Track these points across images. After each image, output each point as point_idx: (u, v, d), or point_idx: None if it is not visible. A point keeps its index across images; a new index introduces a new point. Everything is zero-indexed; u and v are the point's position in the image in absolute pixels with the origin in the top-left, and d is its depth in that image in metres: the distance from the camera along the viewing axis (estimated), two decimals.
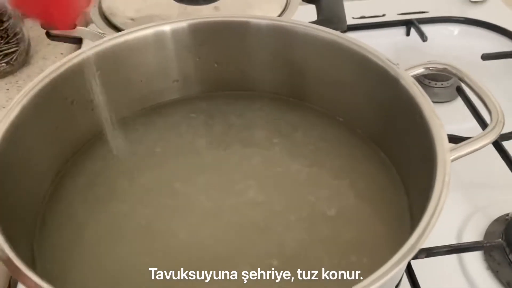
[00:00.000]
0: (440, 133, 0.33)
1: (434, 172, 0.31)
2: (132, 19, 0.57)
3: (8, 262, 0.27)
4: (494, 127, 0.35)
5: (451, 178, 0.55)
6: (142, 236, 0.37)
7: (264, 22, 0.42)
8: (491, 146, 0.55)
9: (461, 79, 0.37)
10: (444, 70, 0.37)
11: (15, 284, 0.43)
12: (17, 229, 0.34)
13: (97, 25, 0.53)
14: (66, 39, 0.53)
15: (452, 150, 0.33)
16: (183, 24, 0.43)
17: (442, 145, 0.32)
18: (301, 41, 0.41)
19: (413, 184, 0.38)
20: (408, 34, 0.71)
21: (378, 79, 0.38)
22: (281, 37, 0.42)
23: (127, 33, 0.42)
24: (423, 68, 0.39)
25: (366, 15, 0.74)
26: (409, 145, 0.37)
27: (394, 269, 0.26)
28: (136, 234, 0.37)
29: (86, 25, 0.61)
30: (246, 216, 0.38)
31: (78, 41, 0.52)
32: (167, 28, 0.43)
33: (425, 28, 0.69)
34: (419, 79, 0.63)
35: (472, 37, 0.71)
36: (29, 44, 0.64)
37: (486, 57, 0.64)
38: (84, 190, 0.40)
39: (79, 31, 0.51)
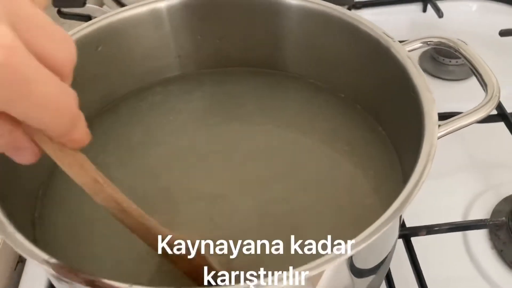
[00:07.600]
0: (430, 106, 0.33)
1: (421, 144, 0.31)
2: None
3: (10, 237, 0.27)
4: (489, 101, 0.34)
5: (465, 158, 0.55)
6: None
7: None
8: (503, 124, 0.53)
9: (457, 51, 0.36)
10: (440, 43, 0.37)
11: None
12: (18, 206, 0.34)
13: (107, 4, 0.54)
14: (77, 17, 0.54)
15: (442, 125, 0.33)
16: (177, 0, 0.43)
17: (431, 118, 0.32)
18: (296, 15, 0.41)
19: (408, 159, 0.37)
20: (424, 10, 0.70)
21: (372, 52, 0.38)
22: (279, 11, 0.42)
23: (123, 11, 0.42)
24: (420, 42, 0.38)
25: None
26: (405, 120, 0.37)
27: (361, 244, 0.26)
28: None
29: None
30: (250, 185, 0.39)
31: (88, 19, 0.53)
32: (162, 4, 0.43)
33: (442, 4, 0.68)
34: (433, 56, 0.63)
35: (490, 13, 0.69)
36: None
37: (504, 33, 0.62)
38: None
39: (88, 8, 0.53)
